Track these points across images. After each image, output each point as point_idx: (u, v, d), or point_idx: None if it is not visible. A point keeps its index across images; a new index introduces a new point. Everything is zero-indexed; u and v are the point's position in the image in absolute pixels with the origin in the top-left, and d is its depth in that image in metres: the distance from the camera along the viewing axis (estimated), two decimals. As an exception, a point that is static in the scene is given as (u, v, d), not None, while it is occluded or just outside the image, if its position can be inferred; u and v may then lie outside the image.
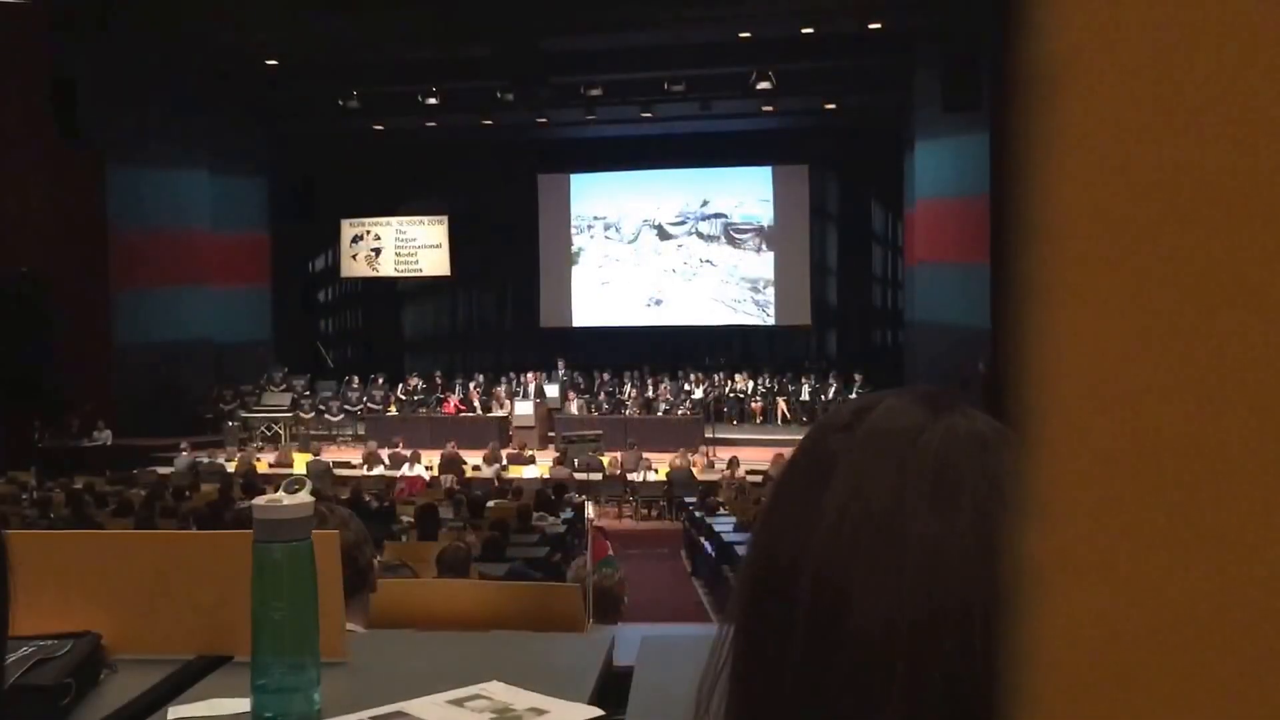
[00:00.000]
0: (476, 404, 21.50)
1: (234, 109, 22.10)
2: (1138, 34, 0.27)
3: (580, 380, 22.64)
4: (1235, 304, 0.27)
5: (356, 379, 22.36)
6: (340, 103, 21.16)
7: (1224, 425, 0.27)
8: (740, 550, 9.91)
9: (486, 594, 3.18)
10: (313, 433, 20.57)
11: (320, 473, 15.96)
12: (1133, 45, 0.27)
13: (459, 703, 1.37)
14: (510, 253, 25.34)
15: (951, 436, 0.68)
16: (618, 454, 17.90)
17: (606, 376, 22.72)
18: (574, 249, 25.52)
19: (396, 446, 18.37)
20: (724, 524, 11.92)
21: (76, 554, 1.60)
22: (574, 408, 21.05)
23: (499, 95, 20.24)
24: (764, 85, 19.76)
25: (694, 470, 17.22)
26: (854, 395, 20.62)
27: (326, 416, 21.31)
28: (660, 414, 20.73)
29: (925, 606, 0.62)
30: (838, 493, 0.66)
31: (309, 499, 1.36)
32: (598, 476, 17.03)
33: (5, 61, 18.05)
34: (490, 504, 12.75)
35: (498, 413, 20.89)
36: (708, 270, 24.93)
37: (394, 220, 25.23)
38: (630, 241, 25.30)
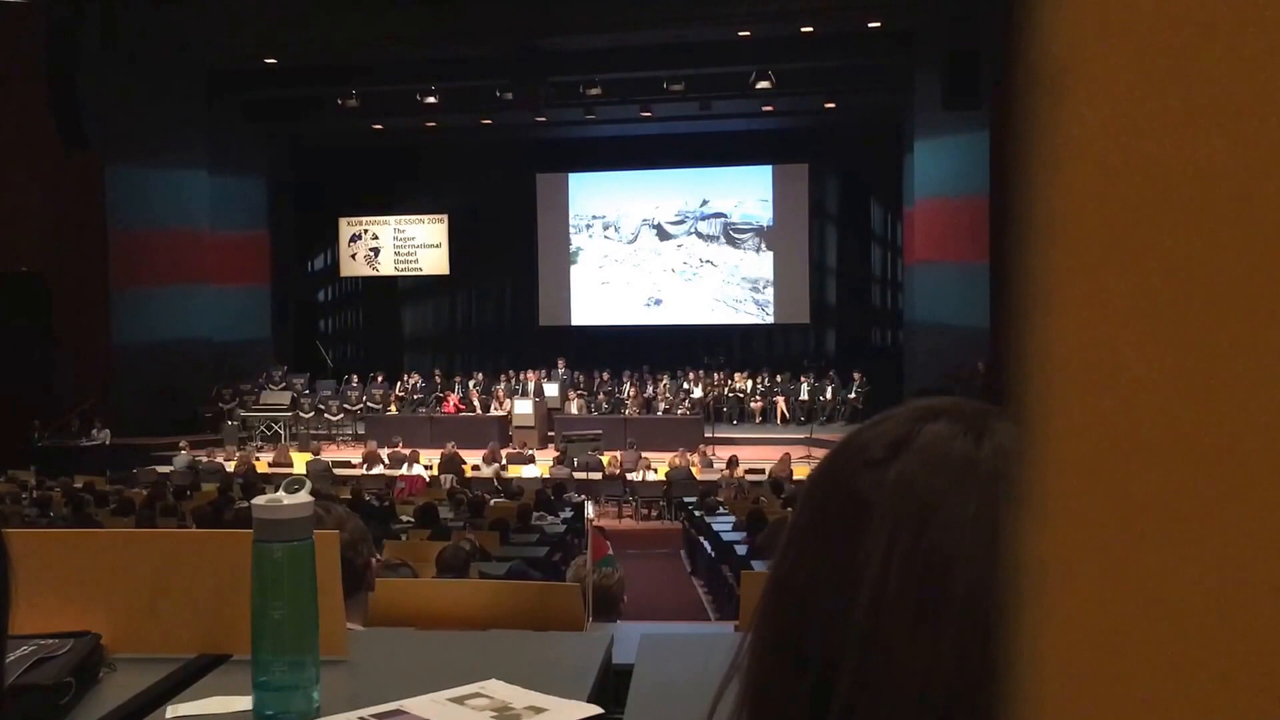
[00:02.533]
0: (476, 403, 21.50)
1: (234, 109, 22.10)
2: (1137, 34, 0.27)
3: (580, 380, 22.64)
4: (1235, 302, 0.27)
5: (356, 378, 22.36)
6: (340, 102, 21.16)
7: (1224, 423, 0.27)
8: (739, 549, 9.93)
9: (486, 593, 3.18)
10: (312, 432, 20.57)
11: (320, 472, 15.96)
12: (1132, 45, 0.27)
13: (459, 701, 1.37)
14: (509, 252, 25.33)
15: (1000, 472, 0.62)
16: (617, 453, 17.90)
17: (606, 376, 22.72)
18: (573, 248, 25.51)
19: (396, 446, 18.37)
20: (723, 523, 11.91)
21: (76, 553, 1.60)
22: (573, 407, 21.06)
23: (498, 95, 20.24)
24: (763, 84, 19.76)
25: (693, 470, 17.22)
26: (852, 395, 20.66)
27: (326, 416, 21.31)
28: (660, 413, 20.73)
29: (960, 675, 0.59)
30: (877, 549, 0.62)
31: (309, 499, 1.36)
32: (597, 476, 17.03)
33: (5, 61, 18.05)
34: (490, 503, 12.77)
35: (497, 412, 20.89)
36: (707, 270, 24.93)
37: (393, 219, 25.25)
38: (629, 241, 25.29)
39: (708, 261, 24.96)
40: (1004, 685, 0.58)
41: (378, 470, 17.54)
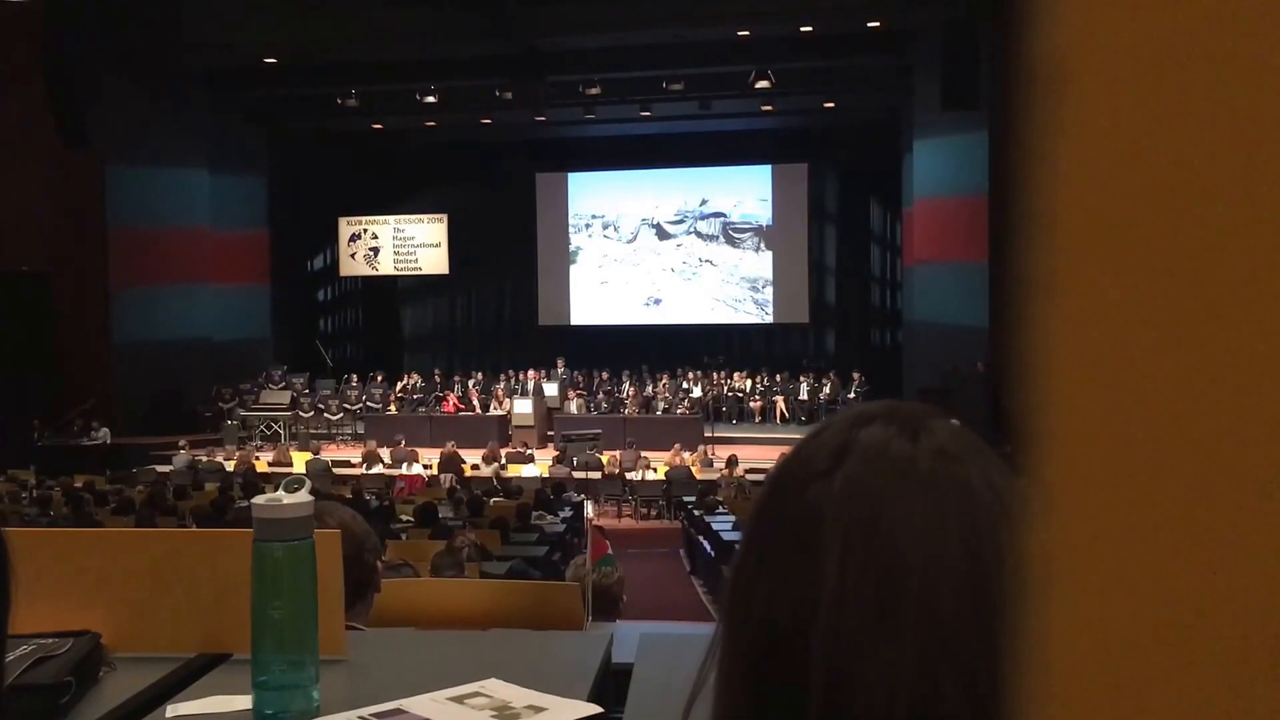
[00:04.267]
0: (475, 403, 21.50)
1: (234, 109, 22.11)
2: (1136, 33, 0.27)
3: (579, 379, 22.64)
4: (1234, 301, 0.27)
5: (355, 377, 22.36)
6: (339, 102, 21.16)
7: (1223, 422, 0.27)
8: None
9: (486, 592, 3.18)
10: (312, 431, 20.57)
11: (319, 472, 15.96)
12: (1131, 44, 0.27)
13: (459, 700, 1.37)
14: (509, 251, 25.34)
15: (939, 475, 0.64)
16: (616, 453, 17.90)
17: (605, 375, 22.73)
18: (572, 248, 25.52)
19: (399, 444, 18.36)
20: (722, 523, 11.92)
21: (76, 552, 1.60)
22: (573, 406, 21.05)
23: (497, 94, 20.25)
24: (763, 84, 19.76)
25: (692, 469, 17.22)
26: (851, 395, 20.67)
27: (325, 415, 21.31)
28: (659, 413, 20.73)
29: (925, 684, 0.59)
30: (832, 556, 0.62)
31: (309, 498, 1.36)
32: (596, 475, 17.03)
33: (5, 61, 18.05)
34: (490, 503, 12.78)
35: (497, 411, 20.89)
36: (707, 269, 24.93)
37: (392, 219, 25.25)
38: (629, 241, 25.30)
39: (707, 261, 24.97)
40: (976, 678, 0.59)
41: (377, 470, 17.56)
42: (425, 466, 17.59)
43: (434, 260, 25.04)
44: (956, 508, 0.63)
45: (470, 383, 22.42)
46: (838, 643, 0.61)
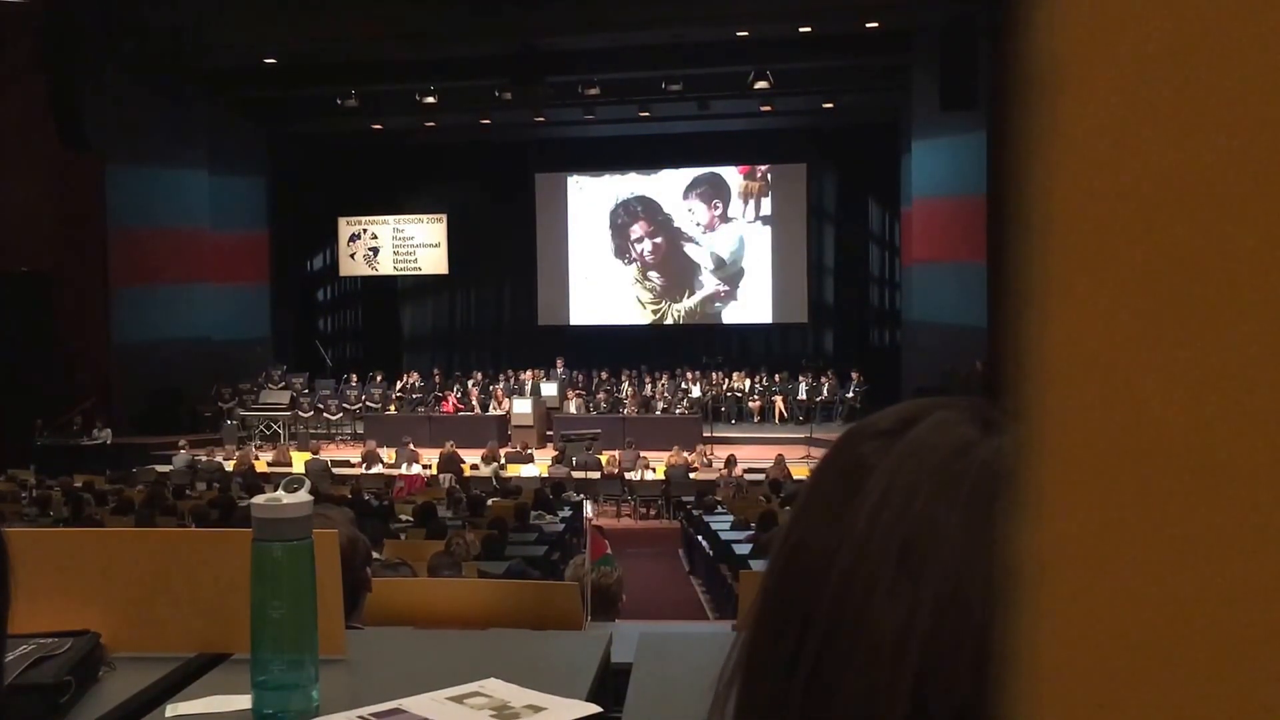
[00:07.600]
0: (475, 402, 21.51)
1: (234, 109, 22.11)
2: (1134, 35, 0.27)
3: (578, 379, 22.65)
4: (1231, 302, 0.27)
5: (355, 377, 22.37)
6: (339, 102, 21.16)
7: (1220, 423, 0.27)
8: (737, 549, 9.94)
9: (485, 592, 3.19)
10: (311, 431, 20.57)
11: (319, 471, 15.97)
12: (1129, 45, 0.27)
13: (458, 700, 1.37)
14: (508, 251, 25.33)
15: (997, 462, 0.63)
16: (615, 453, 17.90)
17: (604, 375, 22.73)
18: (571, 248, 25.52)
19: (407, 444, 18.34)
20: (721, 522, 11.92)
21: (76, 552, 1.61)
22: (572, 406, 21.06)
23: (497, 95, 20.26)
24: (761, 84, 19.76)
25: (692, 469, 17.22)
26: (850, 394, 20.68)
27: (325, 415, 21.31)
28: (658, 413, 20.74)
29: (939, 633, 0.60)
30: (868, 503, 0.63)
31: (308, 498, 1.37)
32: (595, 475, 17.03)
33: (5, 62, 18.05)
34: (489, 502, 12.78)
35: (496, 411, 20.90)
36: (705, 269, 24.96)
37: (392, 219, 25.25)
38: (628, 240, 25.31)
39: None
40: (974, 663, 0.60)
41: (377, 470, 17.56)
42: (425, 466, 17.59)
43: (433, 260, 25.05)
44: (998, 505, 0.61)
45: (470, 382, 22.43)
46: (851, 582, 0.62)
